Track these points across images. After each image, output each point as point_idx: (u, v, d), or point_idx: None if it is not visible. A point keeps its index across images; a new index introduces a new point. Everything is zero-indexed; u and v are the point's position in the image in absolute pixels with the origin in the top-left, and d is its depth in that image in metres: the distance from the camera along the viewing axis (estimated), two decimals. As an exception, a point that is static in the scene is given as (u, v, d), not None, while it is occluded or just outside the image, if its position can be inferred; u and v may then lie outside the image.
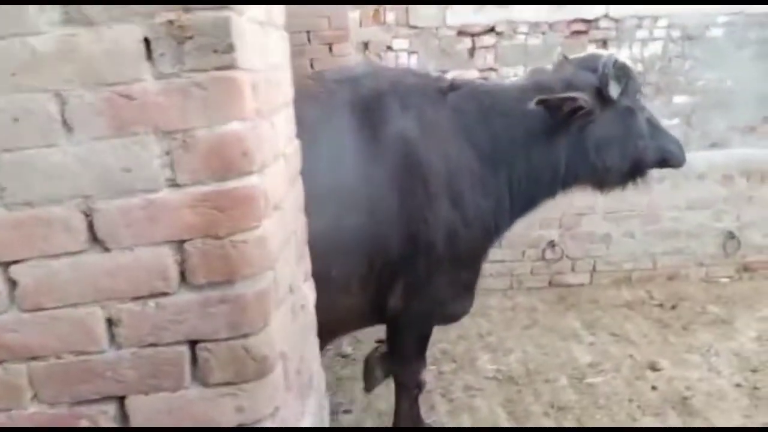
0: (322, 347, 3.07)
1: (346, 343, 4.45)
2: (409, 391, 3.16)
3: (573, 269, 5.32)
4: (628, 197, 5.03)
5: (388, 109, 2.71)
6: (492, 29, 6.06)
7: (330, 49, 5.59)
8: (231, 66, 1.21)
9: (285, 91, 1.73)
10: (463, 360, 4.17)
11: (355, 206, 2.54)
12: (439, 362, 4.14)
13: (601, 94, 2.86)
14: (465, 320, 4.62)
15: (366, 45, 6.04)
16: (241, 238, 1.30)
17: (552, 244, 5.23)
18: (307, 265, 1.96)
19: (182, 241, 1.28)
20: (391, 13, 6.04)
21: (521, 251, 5.26)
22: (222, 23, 1.19)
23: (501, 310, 4.98)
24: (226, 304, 1.32)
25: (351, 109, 2.68)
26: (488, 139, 2.85)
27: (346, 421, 3.55)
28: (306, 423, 1.69)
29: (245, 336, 1.34)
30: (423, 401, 3.62)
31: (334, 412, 3.60)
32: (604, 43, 6.21)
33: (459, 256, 2.81)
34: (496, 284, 5.31)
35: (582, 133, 2.89)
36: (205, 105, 1.22)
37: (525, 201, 3.00)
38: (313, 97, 2.68)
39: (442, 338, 4.46)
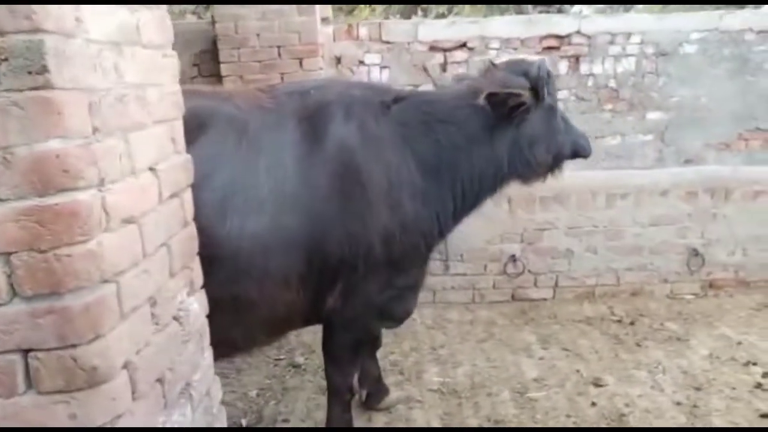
0: (267, 344, 3.12)
1: (299, 353, 4.50)
2: (341, 395, 3.22)
3: (535, 284, 5.32)
4: (590, 213, 5.10)
5: (331, 119, 2.85)
6: (464, 45, 6.12)
7: (300, 63, 5.68)
8: (45, 86, 1.27)
9: (156, 108, 1.78)
10: (410, 372, 4.19)
11: (294, 208, 2.67)
12: (386, 373, 4.15)
13: (535, 94, 3.05)
14: (420, 332, 4.74)
15: (339, 59, 6.12)
16: (65, 252, 1.35)
17: (513, 259, 5.24)
18: (192, 276, 2.01)
19: (8, 254, 1.34)
20: (364, 28, 6.12)
21: (483, 265, 5.27)
22: (35, 46, 1.25)
23: (459, 323, 4.99)
24: (53, 315, 1.37)
25: (297, 118, 2.82)
26: (431, 147, 3.00)
27: (283, 431, 3.59)
28: (169, 432, 1.74)
29: (73, 346, 1.39)
30: (361, 412, 3.68)
31: (273, 421, 3.65)
32: (576, 59, 6.26)
33: (396, 260, 2.93)
34: (457, 297, 5.33)
35: (518, 130, 3.07)
36: (23, 124, 1.28)
37: (470, 201, 3.17)
38: (262, 107, 2.83)
39: (394, 350, 4.50)
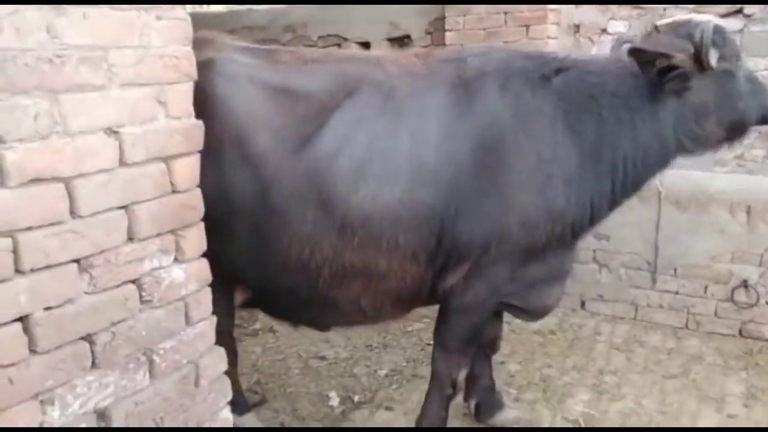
0: (395, 317, 3.06)
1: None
2: (442, 388, 2.96)
3: (775, 322, 4.13)
4: None
5: (485, 90, 2.65)
6: (739, 11, 4.90)
7: (527, 31, 5.23)
8: None
9: (128, 71, 1.76)
10: (555, 393, 3.64)
11: (431, 181, 2.55)
12: (528, 387, 3.68)
13: (698, 60, 2.55)
14: (598, 350, 4.10)
15: (577, 27, 5.43)
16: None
17: (745, 284, 4.13)
18: (180, 244, 1.99)
19: None
20: (613, -8, 5.31)
21: (703, 285, 4.27)
22: None
23: (654, 350, 4.15)
24: (-72, 259, 1.46)
25: (448, 87, 2.67)
26: (592, 123, 2.68)
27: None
28: None
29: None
30: (470, 423, 3.34)
31: (377, 406, 3.53)
32: None
33: (535, 248, 2.65)
34: (665, 319, 4.43)
35: (683, 100, 2.63)
36: None
37: (630, 184, 2.77)
38: (414, 73, 2.72)
39: (553, 364, 3.96)
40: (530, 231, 2.60)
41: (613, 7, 5.28)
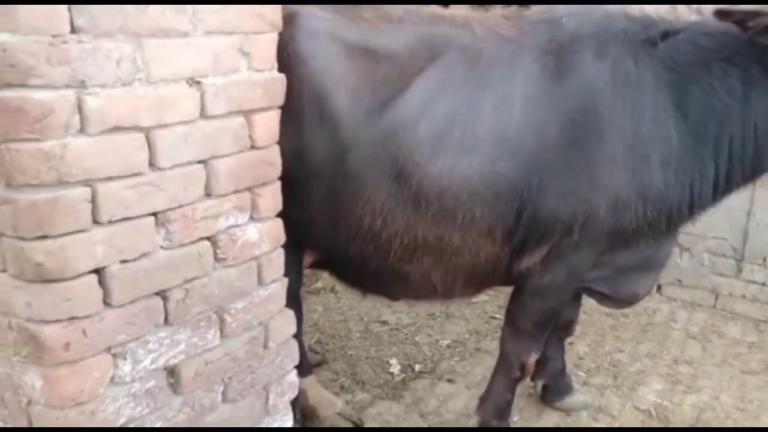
0: (467, 295, 2.96)
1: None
2: (509, 370, 2.82)
3: None
4: None
5: (579, 56, 2.43)
6: None
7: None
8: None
9: (211, 17, 1.68)
10: (627, 380, 3.46)
11: (513, 152, 2.39)
12: (597, 371, 3.53)
13: None
14: (673, 338, 3.92)
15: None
16: (14, 147, 1.38)
17: None
18: (256, 202, 1.94)
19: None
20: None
21: (796, 276, 3.98)
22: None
23: (733, 342, 3.90)
24: (8, 205, 1.43)
25: (539, 51, 2.47)
26: (701, 95, 2.40)
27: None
28: None
29: (21, 239, 1.44)
30: (535, 405, 3.23)
31: (439, 377, 3.45)
32: None
33: (624, 233, 2.45)
34: (747, 310, 4.16)
35: None
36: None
37: (740, 170, 2.47)
38: (502, 36, 2.54)
39: (624, 348, 3.80)
40: (619, 214, 2.39)
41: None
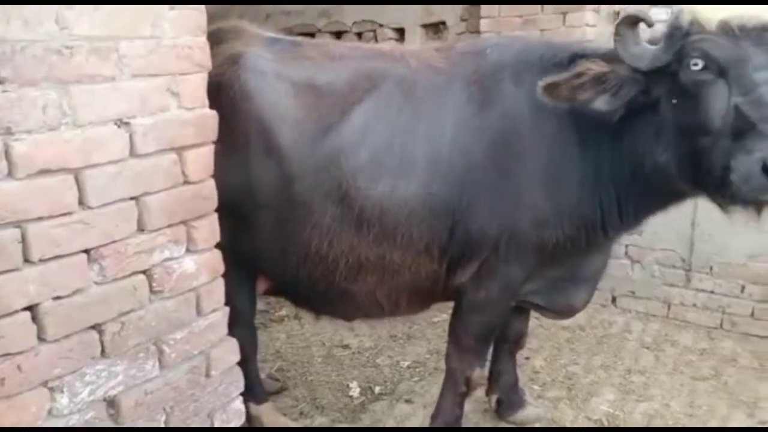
0: (413, 312, 3.03)
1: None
2: (456, 385, 2.92)
3: (817, 325, 3.96)
4: None
5: (500, 85, 2.59)
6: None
7: (564, 19, 5.08)
8: None
9: (139, 62, 1.76)
10: (580, 392, 3.56)
11: (446, 175, 2.53)
12: (552, 385, 3.62)
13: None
14: (627, 348, 4.03)
15: (617, 15, 5.26)
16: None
17: (785, 286, 3.96)
18: (192, 235, 1.99)
19: None
20: (658, -23, 5.11)
21: (739, 285, 4.12)
22: None
23: (685, 350, 4.03)
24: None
25: (465, 82, 2.62)
26: (593, 118, 2.43)
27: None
28: None
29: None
30: (490, 419, 3.30)
31: (397, 399, 3.51)
32: None
33: (546, 249, 2.56)
34: (698, 318, 4.30)
35: (652, 117, 2.32)
36: None
37: (639, 194, 2.51)
38: (434, 67, 2.70)
39: (579, 361, 3.89)
40: (540, 230, 2.52)
41: (659, -6, 5.09)
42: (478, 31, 5.58)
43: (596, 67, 2.23)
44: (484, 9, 5.34)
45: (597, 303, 4.60)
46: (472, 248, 2.58)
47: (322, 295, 2.76)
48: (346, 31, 6.43)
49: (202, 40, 1.97)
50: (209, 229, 2.07)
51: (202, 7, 1.96)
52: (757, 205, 2.15)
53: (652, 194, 2.49)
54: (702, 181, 2.20)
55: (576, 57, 2.52)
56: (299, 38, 2.97)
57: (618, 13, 5.25)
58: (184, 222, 1.97)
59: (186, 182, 1.96)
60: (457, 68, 2.64)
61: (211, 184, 2.06)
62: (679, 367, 3.82)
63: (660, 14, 4.98)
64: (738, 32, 2.05)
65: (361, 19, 6.36)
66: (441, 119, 2.54)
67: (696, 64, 2.09)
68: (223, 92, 2.43)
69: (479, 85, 2.56)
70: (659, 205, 2.60)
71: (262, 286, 2.97)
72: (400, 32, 6.18)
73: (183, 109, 1.93)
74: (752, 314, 4.13)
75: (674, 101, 2.22)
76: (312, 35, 6.41)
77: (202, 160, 2.01)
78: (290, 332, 4.36)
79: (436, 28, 6.07)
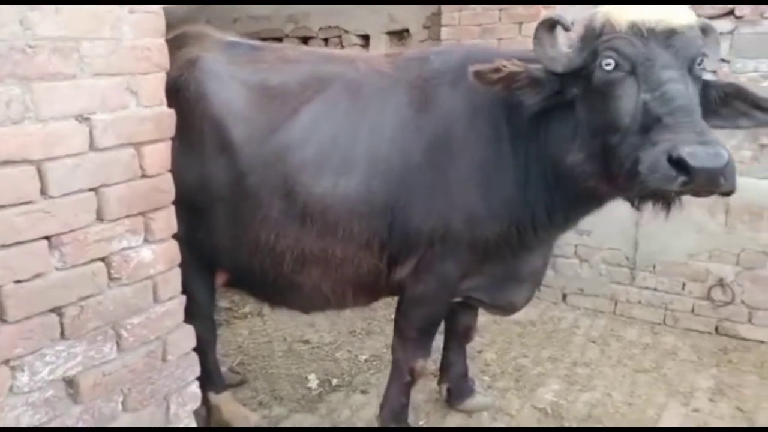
0: (359, 305, 3.13)
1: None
2: (400, 376, 3.04)
3: (750, 320, 4.20)
4: None
5: (439, 88, 2.71)
6: (731, 12, 4.94)
7: (520, 28, 5.29)
8: None
9: (99, 61, 1.88)
10: (527, 382, 3.74)
11: (385, 173, 2.65)
12: (501, 376, 3.79)
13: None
14: (574, 342, 4.21)
15: (572, 25, 5.48)
16: None
17: (722, 283, 4.20)
18: (150, 226, 2.10)
19: None
20: (605, -10, 5.36)
21: (680, 282, 4.35)
22: None
23: (630, 344, 4.24)
24: None
25: (409, 85, 2.75)
26: (520, 122, 2.56)
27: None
28: None
29: None
30: (440, 408, 3.45)
31: (354, 389, 3.64)
32: None
33: (480, 245, 2.66)
34: (643, 314, 4.52)
35: (567, 117, 2.40)
36: None
37: (565, 194, 2.57)
38: (380, 72, 2.83)
39: (528, 353, 4.07)
40: (472, 228, 2.62)
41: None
42: (439, 39, 5.78)
43: (510, 66, 2.32)
44: (445, 17, 5.53)
45: (548, 300, 4.81)
46: (409, 244, 2.69)
47: (273, 286, 2.88)
48: (312, 37, 6.56)
49: (161, 41, 2.09)
50: (166, 221, 2.18)
51: (161, 11, 2.08)
52: (665, 198, 2.22)
53: (575, 194, 2.53)
54: (614, 178, 2.22)
55: None
56: (258, 43, 3.08)
57: (572, 24, 5.50)
58: (142, 213, 2.09)
59: (144, 176, 2.08)
60: (401, 73, 2.77)
61: (169, 177, 2.18)
62: (622, 360, 4.02)
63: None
64: (646, 33, 2.13)
65: (327, 26, 6.50)
66: (383, 120, 2.68)
67: (609, 64, 2.16)
68: (180, 93, 2.57)
69: (420, 89, 2.69)
70: (585, 206, 2.66)
71: (221, 278, 3.08)
72: (366, 39, 6.33)
73: (141, 106, 2.05)
74: (692, 310, 4.36)
75: (588, 101, 2.30)
76: (279, 40, 6.54)
77: (159, 155, 2.13)
78: (253, 328, 4.47)
79: (400, 35, 6.24)
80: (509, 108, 2.58)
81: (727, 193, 2.05)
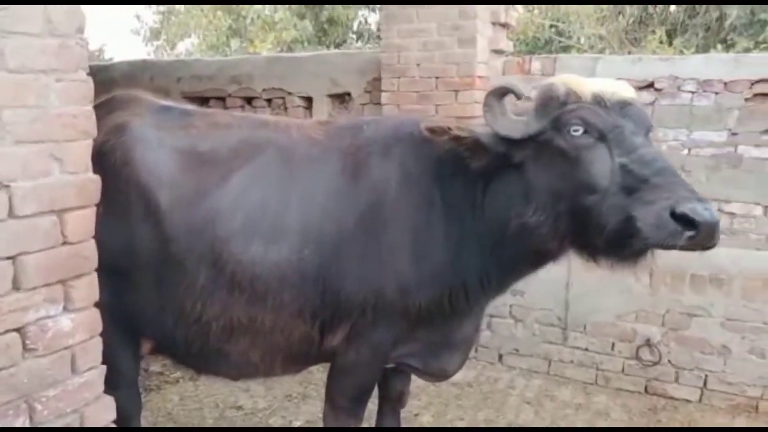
0: (289, 373, 3.06)
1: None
2: None
3: (677, 380, 4.33)
4: (760, 305, 4.01)
5: (371, 158, 2.74)
6: (651, 84, 5.27)
7: (456, 96, 5.50)
8: None
9: (21, 129, 1.87)
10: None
11: (316, 241, 2.63)
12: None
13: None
14: (510, 404, 4.24)
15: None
16: None
17: (649, 343, 4.34)
18: (70, 295, 2.05)
19: None
20: (537, 62, 5.66)
21: (610, 343, 4.47)
22: None
23: (563, 404, 4.30)
24: None
25: (340, 154, 2.77)
26: (459, 187, 2.65)
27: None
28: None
29: None
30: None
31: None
32: (803, 111, 4.95)
33: (413, 312, 2.67)
34: (576, 374, 4.61)
35: (515, 180, 2.49)
36: None
37: (502, 260, 2.64)
38: (312, 139, 2.85)
39: (464, 416, 4.06)
40: (404, 296, 2.64)
41: (537, 77, 5.61)
42: (380, 103, 5.94)
43: (455, 131, 2.45)
44: (385, 83, 5.70)
45: (485, 360, 4.86)
46: (341, 312, 2.68)
47: (198, 354, 2.80)
48: (256, 97, 6.64)
49: (88, 109, 2.09)
50: (88, 288, 2.13)
51: (89, 79, 2.09)
52: (635, 257, 2.28)
53: (516, 257, 2.60)
54: (589, 237, 2.31)
55: None
56: (191, 107, 3.07)
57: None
58: (61, 281, 2.04)
59: (65, 243, 2.04)
60: (333, 141, 2.80)
61: (92, 244, 2.14)
62: (555, 421, 4.06)
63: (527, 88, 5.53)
64: (608, 104, 2.28)
65: (271, 87, 6.60)
66: (314, 188, 2.69)
67: (576, 130, 2.27)
68: (107, 158, 2.54)
69: (353, 156, 2.73)
70: (522, 269, 2.73)
71: (146, 346, 2.98)
72: (308, 101, 6.45)
73: (66, 173, 2.03)
74: (623, 370, 4.47)
75: (548, 165, 2.37)
76: (223, 100, 6.61)
77: (83, 221, 2.10)
78: (184, 394, 4.33)
79: (342, 98, 6.38)
80: (441, 176, 2.67)
81: (712, 247, 2.15)
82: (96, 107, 2.63)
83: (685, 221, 2.04)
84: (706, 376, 4.24)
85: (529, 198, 2.43)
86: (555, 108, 2.34)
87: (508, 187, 2.51)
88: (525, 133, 2.38)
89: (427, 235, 2.66)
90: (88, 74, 2.10)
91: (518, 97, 2.47)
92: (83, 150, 2.09)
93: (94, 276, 2.17)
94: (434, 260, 2.65)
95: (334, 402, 2.94)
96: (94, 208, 2.15)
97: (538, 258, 2.63)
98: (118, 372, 2.73)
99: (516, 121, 2.42)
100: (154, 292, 2.67)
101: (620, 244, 2.23)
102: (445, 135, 2.46)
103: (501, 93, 2.44)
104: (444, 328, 2.84)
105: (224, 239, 2.59)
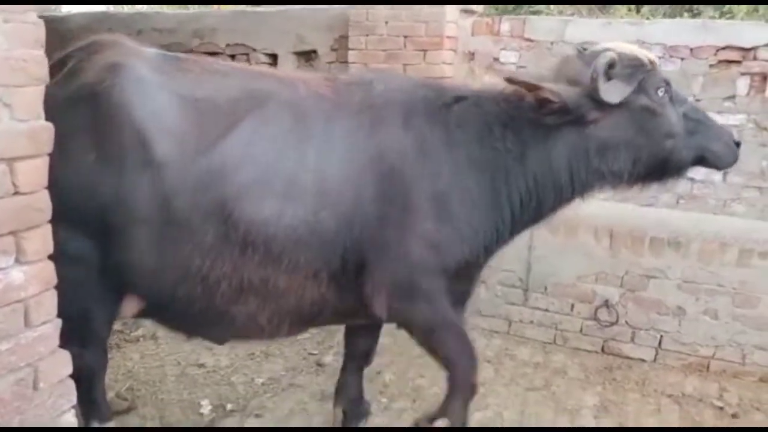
0: (294, 333, 3.02)
1: (333, 353, 4.32)
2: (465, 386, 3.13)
3: (633, 339, 4.44)
4: (715, 268, 4.11)
5: (391, 119, 2.68)
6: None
7: (424, 56, 5.44)
8: None
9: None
10: (424, 403, 3.78)
11: (335, 204, 2.56)
12: (397, 397, 3.82)
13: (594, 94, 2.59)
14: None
15: (472, 55, 5.71)
16: None
17: (607, 304, 4.43)
18: (23, 246, 1.98)
19: None
20: (506, 23, 5.63)
21: (569, 304, 4.55)
22: None
23: (522, 363, 4.38)
24: None
25: (354, 110, 2.69)
26: (489, 154, 2.73)
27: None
28: None
29: None
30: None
31: (248, 414, 3.57)
32: (763, 79, 5.04)
33: (447, 268, 2.71)
34: (536, 334, 4.69)
35: (584, 135, 2.68)
36: None
37: (529, 214, 2.86)
38: (322, 95, 2.72)
39: (425, 374, 4.11)
40: (439, 253, 2.67)
41: (505, 38, 5.59)
42: (346, 61, 5.84)
43: (547, 92, 2.57)
44: (353, 41, 5.60)
45: (448, 321, 4.90)
46: (368, 272, 2.65)
47: (199, 315, 2.68)
48: (219, 53, 6.45)
49: (40, 53, 1.99)
50: (41, 241, 2.06)
51: (41, 21, 1.98)
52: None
53: (551, 208, 2.87)
54: (662, 173, 2.80)
55: (459, 99, 2.80)
56: (179, 54, 2.84)
57: (472, 54, 5.71)
58: (12, 233, 1.97)
59: (17, 193, 1.96)
60: (343, 98, 2.71)
61: (45, 195, 2.06)
62: (515, 379, 4.14)
63: (509, 57, 5.50)
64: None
65: (234, 42, 6.42)
66: (330, 147, 2.59)
67: (661, 90, 2.66)
68: (99, 101, 2.37)
69: (368, 115, 2.66)
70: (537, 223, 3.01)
71: (134, 307, 2.82)
72: (273, 57, 6.31)
73: (15, 120, 1.94)
74: (581, 330, 4.56)
75: (628, 120, 2.65)
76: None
77: (35, 171, 2.01)
78: (144, 352, 4.28)
79: (308, 56, 6.26)
80: (468, 138, 2.72)
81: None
82: (77, 49, 2.50)
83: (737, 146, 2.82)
84: (661, 336, 4.36)
85: (604, 151, 2.68)
86: (642, 73, 2.61)
87: (567, 143, 2.68)
88: (623, 97, 2.58)
89: (454, 198, 2.68)
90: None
91: (613, 66, 2.56)
92: (35, 96, 2.00)
93: (48, 228, 2.09)
94: (465, 220, 2.69)
95: (453, 351, 3.11)
96: (47, 158, 2.07)
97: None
98: (90, 330, 2.67)
99: (620, 86, 2.58)
100: (152, 249, 2.48)
101: (681, 174, 2.87)
102: (535, 91, 2.59)
103: (609, 63, 2.54)
104: (470, 279, 3.00)
105: (234, 197, 2.44)
